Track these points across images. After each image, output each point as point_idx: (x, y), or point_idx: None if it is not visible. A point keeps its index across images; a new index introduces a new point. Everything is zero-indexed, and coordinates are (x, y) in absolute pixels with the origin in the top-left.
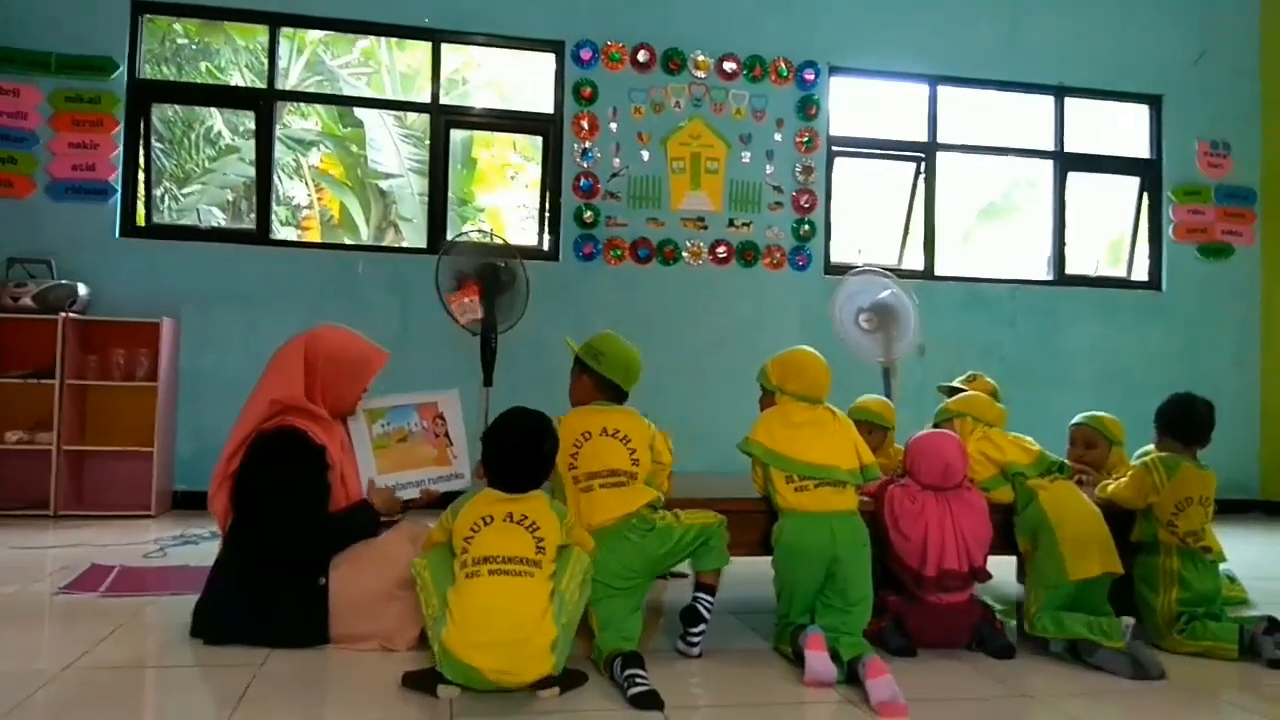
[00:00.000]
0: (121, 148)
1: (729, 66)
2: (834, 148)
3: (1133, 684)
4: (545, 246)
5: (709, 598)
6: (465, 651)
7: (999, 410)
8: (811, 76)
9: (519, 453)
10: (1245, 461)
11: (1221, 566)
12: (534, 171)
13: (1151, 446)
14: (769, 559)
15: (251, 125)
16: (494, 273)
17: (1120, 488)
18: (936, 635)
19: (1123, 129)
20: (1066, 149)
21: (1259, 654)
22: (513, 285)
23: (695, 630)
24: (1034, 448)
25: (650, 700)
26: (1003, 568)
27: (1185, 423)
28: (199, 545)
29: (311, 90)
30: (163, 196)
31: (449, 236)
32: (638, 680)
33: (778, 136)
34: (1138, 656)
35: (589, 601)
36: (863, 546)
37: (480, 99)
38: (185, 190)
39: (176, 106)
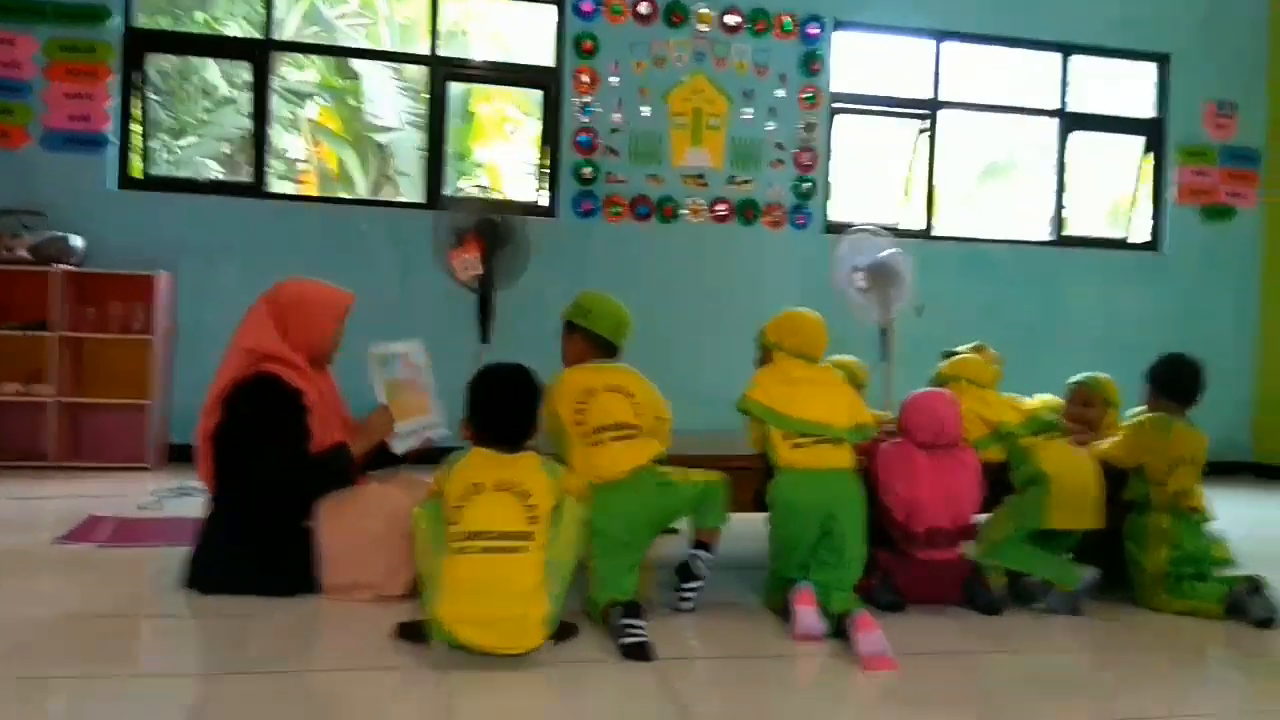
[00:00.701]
0: (117, 98)
1: (732, 20)
2: (836, 104)
3: (1120, 642)
4: (544, 203)
5: (706, 554)
6: (458, 628)
7: (993, 373)
8: (816, 31)
9: (506, 405)
10: (1239, 423)
11: (1209, 526)
12: (533, 126)
13: (1143, 408)
14: (763, 515)
15: (248, 77)
16: (494, 229)
17: (1113, 447)
18: (926, 592)
19: (1127, 88)
20: (1070, 108)
21: (1244, 614)
22: (514, 242)
23: (690, 586)
24: (1026, 407)
25: (641, 651)
26: None
27: (1178, 383)
28: (195, 497)
29: (309, 41)
30: (159, 149)
31: (447, 191)
32: (631, 630)
33: (780, 92)
34: (1078, 600)
35: (590, 557)
36: (858, 504)
37: (480, 51)
38: (181, 143)
39: (172, 57)
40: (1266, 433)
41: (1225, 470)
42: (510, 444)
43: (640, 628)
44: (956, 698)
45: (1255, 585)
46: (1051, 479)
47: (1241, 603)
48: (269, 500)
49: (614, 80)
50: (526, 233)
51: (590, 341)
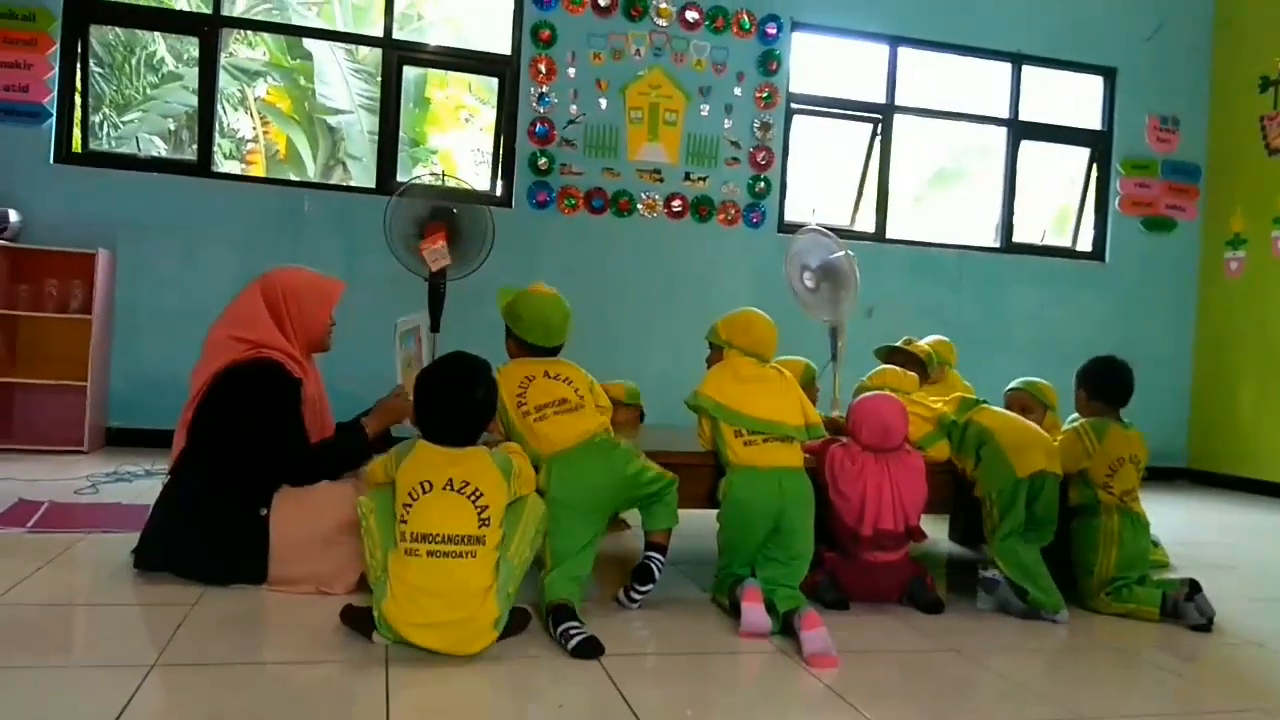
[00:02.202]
0: (57, 70)
1: (691, 16)
2: (793, 105)
3: (1057, 641)
4: (498, 192)
5: (661, 557)
6: (406, 630)
7: (912, 379)
8: (774, 31)
9: (452, 401)
10: (1175, 431)
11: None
12: (489, 115)
13: (1076, 415)
14: (713, 512)
15: (195, 53)
16: (462, 218)
17: None
18: (869, 591)
19: (1075, 100)
20: (1021, 117)
21: (1179, 617)
22: (479, 232)
23: (644, 589)
24: (953, 396)
25: (591, 648)
26: (934, 527)
27: (1110, 386)
28: (132, 482)
29: (259, 18)
30: (101, 123)
31: (399, 177)
32: (572, 631)
33: (738, 91)
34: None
35: (545, 535)
36: (808, 502)
37: (435, 36)
38: (125, 118)
39: (117, 29)
40: (1202, 440)
41: (1162, 476)
42: (457, 441)
43: (578, 626)
44: (900, 695)
45: (1191, 590)
46: (995, 431)
47: (1178, 607)
48: (284, 478)
49: (571, 71)
50: (492, 223)
51: (522, 346)
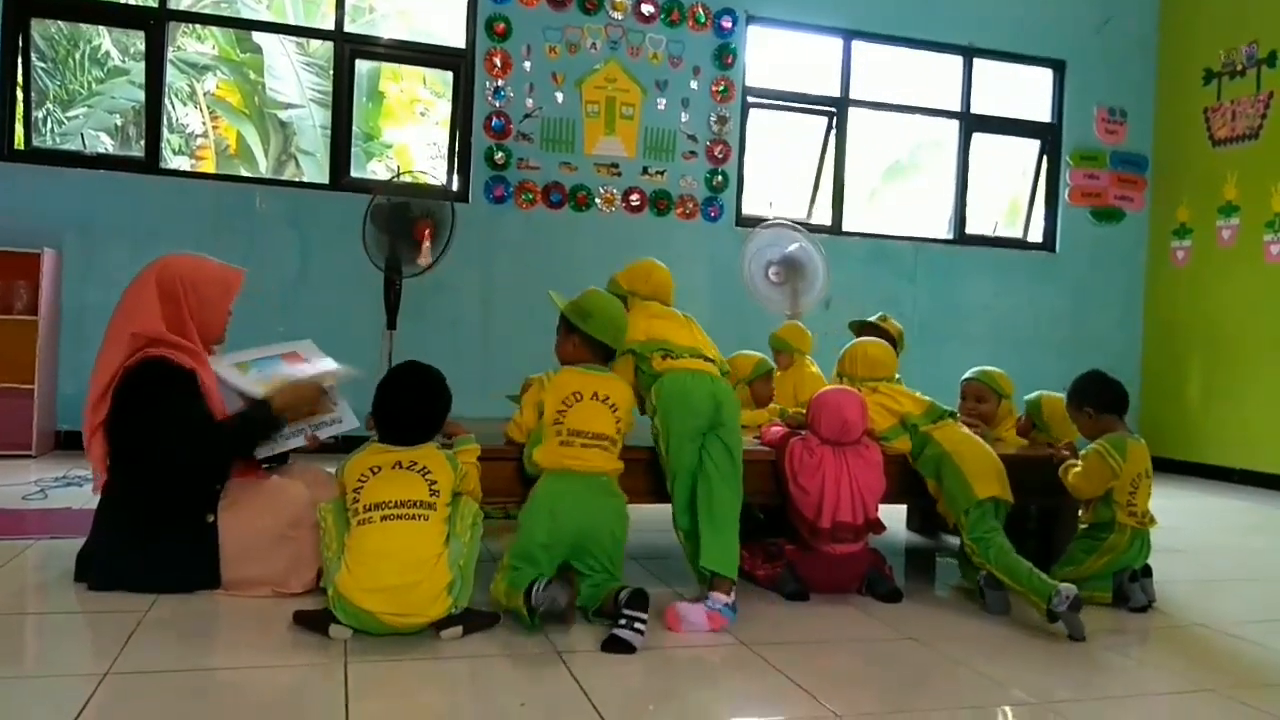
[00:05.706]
0: None
1: (647, 9)
2: (749, 99)
3: (1013, 628)
4: (455, 187)
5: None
6: (358, 596)
7: (892, 360)
8: (729, 24)
9: (411, 411)
10: (1126, 418)
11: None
12: (445, 108)
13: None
14: (665, 508)
15: (142, 46)
16: (433, 212)
17: (1078, 478)
18: (829, 582)
19: (1026, 92)
20: (972, 110)
21: (1125, 598)
22: (446, 227)
23: (644, 616)
24: (925, 399)
25: (624, 645)
26: (893, 517)
27: (1119, 396)
28: (82, 487)
29: (208, 11)
30: (44, 119)
31: (353, 172)
32: (636, 623)
33: (694, 84)
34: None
35: (515, 542)
36: (738, 406)
37: (388, 29)
38: (69, 113)
39: (59, 22)
40: (1150, 426)
41: None
42: (411, 442)
43: (644, 621)
44: (860, 685)
45: (1136, 572)
46: (953, 454)
47: (1124, 587)
48: (180, 479)
49: (527, 65)
50: (454, 217)
51: (587, 344)
